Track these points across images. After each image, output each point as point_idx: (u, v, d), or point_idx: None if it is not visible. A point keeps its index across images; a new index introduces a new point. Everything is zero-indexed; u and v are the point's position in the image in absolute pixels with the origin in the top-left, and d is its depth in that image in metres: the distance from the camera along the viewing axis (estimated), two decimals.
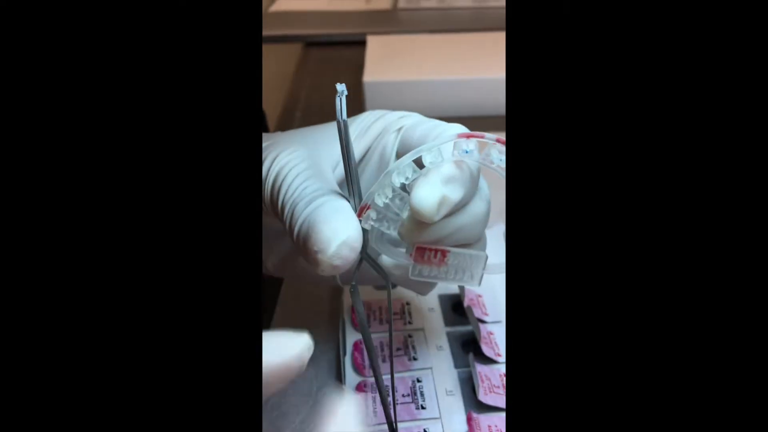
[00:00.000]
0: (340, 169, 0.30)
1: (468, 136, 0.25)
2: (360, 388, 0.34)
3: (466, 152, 0.25)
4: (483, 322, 0.37)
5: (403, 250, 0.28)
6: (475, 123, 0.64)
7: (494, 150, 0.26)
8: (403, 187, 0.26)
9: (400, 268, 0.29)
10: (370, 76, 0.61)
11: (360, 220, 0.26)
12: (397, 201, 0.26)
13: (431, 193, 0.25)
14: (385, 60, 0.64)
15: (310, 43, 0.81)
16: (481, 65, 0.62)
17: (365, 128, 0.31)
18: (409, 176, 0.26)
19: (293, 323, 0.44)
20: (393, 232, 0.27)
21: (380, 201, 0.26)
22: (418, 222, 0.26)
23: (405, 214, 0.26)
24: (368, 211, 0.26)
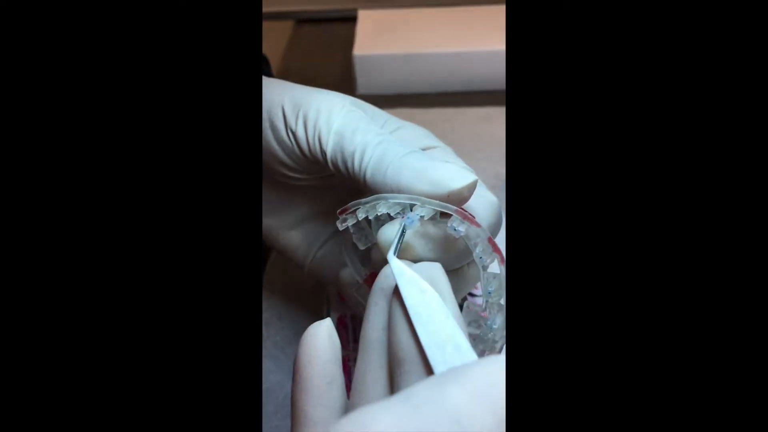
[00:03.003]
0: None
1: (464, 218, 0.25)
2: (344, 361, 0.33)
3: (455, 230, 0.25)
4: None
5: (363, 268, 0.30)
6: (467, 98, 0.63)
7: (480, 248, 0.25)
8: (378, 216, 0.26)
9: (350, 280, 0.31)
10: (360, 49, 0.59)
11: (338, 218, 0.27)
12: (374, 223, 0.27)
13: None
14: (376, 34, 0.63)
15: (302, 20, 0.79)
16: (473, 38, 0.61)
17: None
18: (393, 214, 0.26)
19: (279, 298, 0.44)
20: (361, 246, 0.28)
21: (361, 214, 0.26)
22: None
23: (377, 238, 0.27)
24: (348, 215, 0.26)
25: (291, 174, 0.30)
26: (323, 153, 0.28)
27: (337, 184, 0.31)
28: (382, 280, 0.23)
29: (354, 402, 0.23)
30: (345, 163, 0.28)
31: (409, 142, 0.29)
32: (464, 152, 0.31)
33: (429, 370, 0.20)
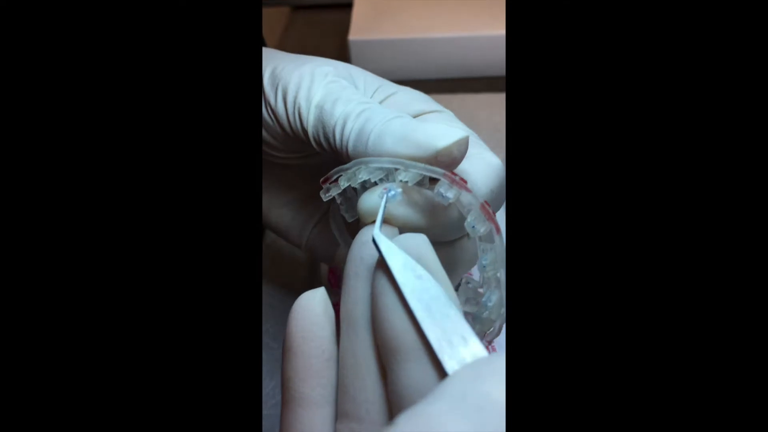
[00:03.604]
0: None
1: (453, 182, 0.23)
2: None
3: (442, 196, 0.23)
4: None
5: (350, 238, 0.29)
6: (465, 84, 0.62)
7: (472, 216, 0.23)
8: (364, 183, 0.24)
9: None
10: (356, 34, 0.58)
11: (322, 188, 0.25)
12: (360, 192, 0.25)
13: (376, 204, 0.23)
14: (372, 18, 0.61)
15: (298, 7, 0.78)
16: (472, 23, 0.60)
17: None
18: (375, 180, 0.24)
19: (270, 287, 0.43)
20: (348, 217, 0.26)
21: (343, 182, 0.24)
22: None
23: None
24: (331, 184, 0.25)
25: (276, 153, 0.29)
26: (305, 130, 0.26)
27: (329, 162, 0.29)
28: (361, 248, 0.22)
29: (346, 383, 0.21)
30: (327, 139, 0.26)
31: (403, 107, 0.27)
32: None
33: (435, 363, 0.19)
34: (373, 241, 0.21)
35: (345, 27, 0.63)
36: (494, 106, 0.56)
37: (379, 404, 0.21)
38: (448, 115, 0.28)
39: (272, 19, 0.79)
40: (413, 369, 0.19)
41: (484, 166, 0.25)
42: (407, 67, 0.59)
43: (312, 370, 0.21)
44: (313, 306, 0.22)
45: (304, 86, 0.26)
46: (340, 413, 0.21)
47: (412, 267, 0.20)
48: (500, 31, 0.57)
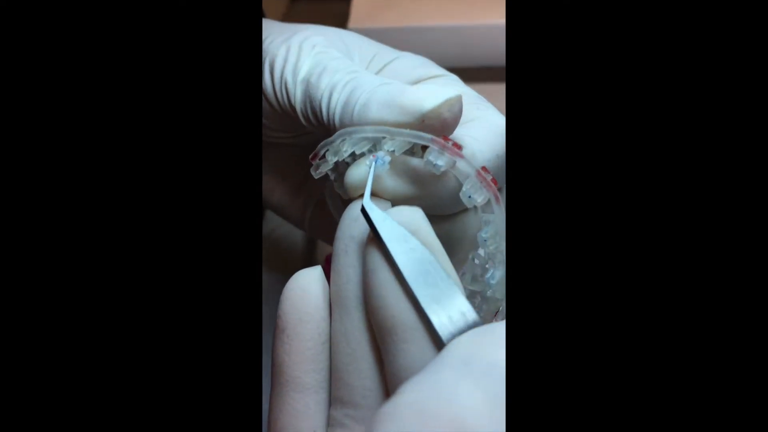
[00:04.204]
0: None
1: (443, 148, 0.21)
2: None
3: (434, 165, 0.21)
4: None
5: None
6: (466, 74, 0.61)
7: (468, 184, 0.21)
8: (353, 155, 0.23)
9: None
10: (355, 23, 0.57)
11: (311, 165, 0.23)
12: (348, 161, 0.24)
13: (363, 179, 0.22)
14: (372, 7, 0.61)
15: None
16: (472, 12, 0.59)
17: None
18: (361, 151, 0.22)
19: (266, 277, 0.42)
20: (341, 191, 0.25)
21: (331, 157, 0.23)
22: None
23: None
24: (320, 160, 0.23)
25: (270, 133, 0.27)
26: (292, 107, 0.25)
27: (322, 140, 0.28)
28: (351, 225, 0.21)
29: (340, 368, 0.20)
30: (315, 113, 0.24)
31: (403, 74, 0.25)
32: None
33: (434, 341, 0.18)
34: (363, 212, 0.20)
35: (344, 18, 0.62)
36: (498, 96, 0.55)
37: (376, 389, 0.20)
38: (452, 78, 0.26)
39: (271, 9, 0.78)
40: (411, 349, 0.18)
41: (490, 128, 0.23)
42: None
43: (307, 353, 0.20)
44: (309, 285, 0.21)
45: (291, 60, 0.25)
46: (334, 399, 0.21)
47: (406, 238, 0.19)
48: (502, 20, 0.56)
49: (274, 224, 0.42)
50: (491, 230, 0.21)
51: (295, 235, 0.42)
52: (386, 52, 0.27)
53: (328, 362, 0.21)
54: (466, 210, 0.24)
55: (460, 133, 0.23)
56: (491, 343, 0.17)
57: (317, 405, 0.21)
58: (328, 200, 0.28)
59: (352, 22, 0.58)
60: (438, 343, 0.18)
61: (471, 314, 0.18)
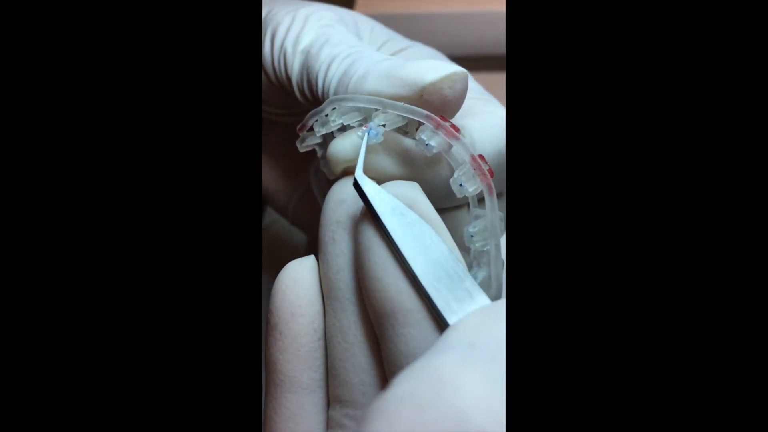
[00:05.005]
0: None
1: (438, 126, 0.19)
2: None
3: (426, 145, 0.19)
4: None
5: None
6: (476, 63, 0.60)
7: (461, 171, 0.19)
8: (342, 128, 0.21)
9: None
10: (362, 9, 0.56)
11: (299, 136, 0.22)
12: (336, 134, 0.22)
13: (351, 153, 0.20)
14: None
15: None
16: None
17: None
18: (350, 124, 0.20)
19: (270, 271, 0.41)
20: (326, 170, 0.23)
21: (318, 128, 0.21)
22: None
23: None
24: (307, 132, 0.22)
25: (265, 108, 0.26)
26: (288, 78, 0.23)
27: None
28: (337, 209, 0.19)
29: (336, 365, 0.19)
30: (311, 86, 0.22)
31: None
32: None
33: (437, 322, 0.17)
34: (355, 184, 0.18)
35: (349, 5, 0.61)
36: (496, 87, 0.53)
37: (376, 385, 0.18)
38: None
39: None
40: (413, 333, 0.17)
41: (495, 122, 0.21)
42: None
43: (302, 351, 0.19)
44: (302, 277, 0.19)
45: (294, 30, 0.23)
46: (332, 399, 0.19)
47: (404, 212, 0.17)
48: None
49: (273, 216, 0.41)
50: (480, 225, 0.19)
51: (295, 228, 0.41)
52: (398, 40, 0.26)
53: (325, 360, 0.20)
54: (458, 207, 0.22)
55: (462, 123, 0.21)
56: (497, 325, 0.15)
57: (314, 406, 0.19)
58: (312, 180, 0.26)
59: (358, 8, 0.56)
60: (442, 326, 0.17)
61: (478, 294, 0.17)
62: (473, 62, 0.60)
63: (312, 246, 0.41)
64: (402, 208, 0.18)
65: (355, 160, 0.20)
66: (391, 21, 0.57)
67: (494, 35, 0.57)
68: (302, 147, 0.22)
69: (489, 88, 0.54)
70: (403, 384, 0.14)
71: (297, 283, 0.19)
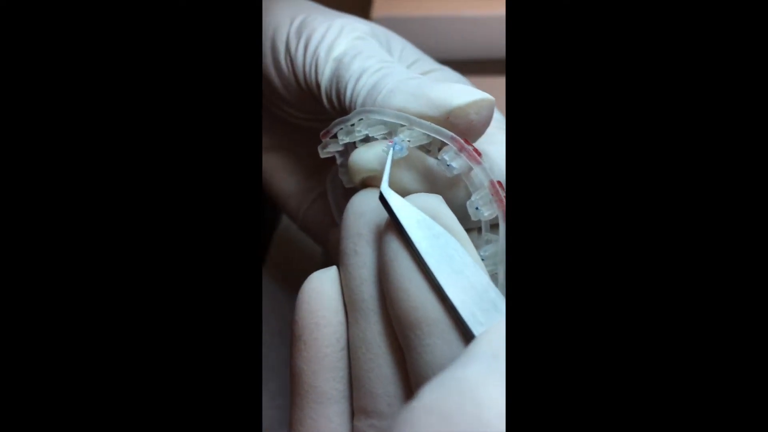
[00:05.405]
0: None
1: (461, 149, 0.19)
2: None
3: (447, 165, 0.19)
4: None
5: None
6: (494, 66, 0.59)
7: (479, 195, 0.20)
8: (366, 138, 0.21)
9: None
10: (379, 11, 0.56)
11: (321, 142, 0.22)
12: (359, 145, 0.22)
13: (374, 164, 0.20)
14: None
15: None
16: (499, 2, 0.57)
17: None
18: (375, 136, 0.21)
19: (284, 277, 0.41)
20: (346, 182, 0.23)
21: (343, 137, 0.21)
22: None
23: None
24: (330, 139, 0.22)
25: (289, 110, 0.26)
26: (318, 84, 0.23)
27: None
28: (357, 222, 0.19)
29: (360, 375, 0.19)
30: (339, 96, 0.23)
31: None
32: None
33: (462, 333, 0.17)
34: (381, 198, 0.18)
35: (366, 5, 0.61)
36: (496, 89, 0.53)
37: (400, 396, 0.19)
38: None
39: None
40: (438, 344, 0.17)
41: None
42: (434, 47, 0.57)
43: (326, 361, 0.19)
44: (325, 287, 0.19)
45: (329, 38, 0.24)
46: (357, 409, 0.19)
47: (429, 225, 0.17)
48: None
49: (288, 222, 0.41)
50: (491, 250, 0.20)
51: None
52: (427, 61, 0.26)
53: (348, 370, 0.20)
54: (470, 230, 0.23)
55: (483, 148, 0.21)
56: None
57: (339, 416, 0.20)
58: (329, 186, 0.27)
59: (375, 10, 0.56)
60: (467, 336, 0.17)
61: (503, 304, 0.17)
62: (488, 65, 0.59)
63: (327, 254, 0.41)
64: (427, 220, 0.18)
65: (376, 171, 0.20)
66: (409, 23, 0.56)
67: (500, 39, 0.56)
68: (323, 153, 0.23)
69: (490, 90, 0.53)
70: (429, 395, 0.15)
71: (320, 294, 0.20)
